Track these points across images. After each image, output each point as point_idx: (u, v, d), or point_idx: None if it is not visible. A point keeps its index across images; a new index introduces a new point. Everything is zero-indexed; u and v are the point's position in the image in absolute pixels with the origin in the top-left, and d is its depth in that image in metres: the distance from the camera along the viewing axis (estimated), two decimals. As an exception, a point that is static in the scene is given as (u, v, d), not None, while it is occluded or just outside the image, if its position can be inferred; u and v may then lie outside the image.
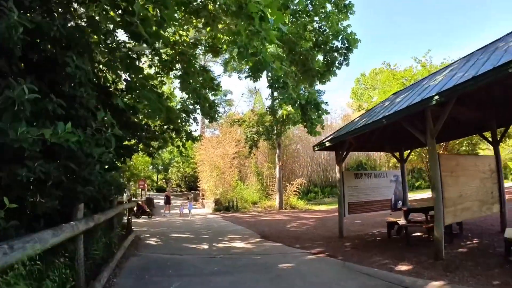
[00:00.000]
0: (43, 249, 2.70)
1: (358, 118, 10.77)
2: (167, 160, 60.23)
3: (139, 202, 21.40)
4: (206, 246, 9.41)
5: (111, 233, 6.42)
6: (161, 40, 11.51)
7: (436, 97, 6.31)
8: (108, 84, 6.71)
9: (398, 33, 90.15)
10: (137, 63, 7.28)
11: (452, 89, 6.03)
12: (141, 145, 11.40)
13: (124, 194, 22.98)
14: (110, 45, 6.08)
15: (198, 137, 16.24)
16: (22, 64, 3.72)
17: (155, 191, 53.72)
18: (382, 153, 41.22)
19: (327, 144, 10.26)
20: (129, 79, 7.53)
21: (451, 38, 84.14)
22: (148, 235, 11.62)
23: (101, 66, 6.52)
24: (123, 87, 7.77)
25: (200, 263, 6.97)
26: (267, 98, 26.52)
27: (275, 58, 12.13)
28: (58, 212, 4.00)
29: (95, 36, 6.26)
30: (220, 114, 15.08)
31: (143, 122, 10.82)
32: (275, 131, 24.30)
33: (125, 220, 10.53)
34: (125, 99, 8.17)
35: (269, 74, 25.11)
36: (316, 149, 10.99)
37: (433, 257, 6.90)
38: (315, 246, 9.35)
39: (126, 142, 8.19)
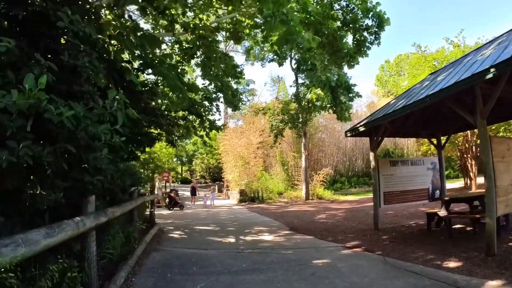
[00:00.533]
0: (32, 254, 2.14)
1: (394, 101, 9.89)
2: (191, 152, 60.40)
3: (171, 194, 21.34)
4: (232, 240, 8.88)
5: (130, 227, 5.94)
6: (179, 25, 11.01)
7: (492, 69, 5.45)
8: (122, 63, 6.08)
9: (425, 15, 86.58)
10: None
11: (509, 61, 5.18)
12: (161, 131, 10.87)
13: (157, 185, 23.03)
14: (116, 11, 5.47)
15: (222, 127, 15.70)
16: (6, 22, 3.18)
17: (179, 182, 53.93)
18: (409, 141, 39.95)
19: (361, 129, 9.47)
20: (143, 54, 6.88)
21: (482, 18, 80.00)
22: (172, 227, 11.21)
23: (112, 41, 5.95)
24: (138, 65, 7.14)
25: (227, 259, 6.42)
26: (291, 85, 25.65)
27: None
28: (67, 205, 3.47)
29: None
30: (243, 103, 14.45)
31: (163, 107, 10.24)
32: (301, 119, 23.48)
33: (148, 213, 10.13)
34: (142, 79, 7.64)
35: (296, 56, 24.46)
36: (348, 134, 10.21)
37: (484, 252, 6.11)
38: (349, 239, 8.67)
39: (146, 129, 7.68)
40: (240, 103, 14.53)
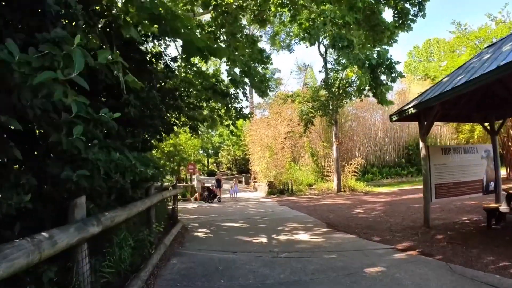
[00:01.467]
0: None
1: (446, 79, 8.51)
2: (217, 144, 59.94)
3: (210, 187, 20.77)
4: (264, 239, 7.86)
5: (145, 230, 4.99)
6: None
7: None
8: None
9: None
10: None
11: None
12: (182, 117, 9.89)
13: (195, 177, 22.28)
14: None
15: (249, 115, 14.69)
16: None
17: (206, 175, 53.55)
18: (442, 129, 37.73)
19: (411, 111, 8.18)
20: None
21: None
22: (196, 224, 10.33)
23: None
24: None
25: (260, 267, 5.38)
26: (321, 71, 24.24)
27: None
28: (47, 210, 2.51)
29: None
30: (271, 89, 13.37)
31: (182, 88, 9.11)
32: (331, 106, 22.09)
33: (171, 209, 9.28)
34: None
35: (324, 40, 23.05)
36: (394, 118, 8.92)
37: None
38: (398, 239, 7.51)
39: (162, 113, 6.68)
40: (268, 90, 13.44)
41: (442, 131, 37.43)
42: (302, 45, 21.28)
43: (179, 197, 20.81)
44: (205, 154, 64.23)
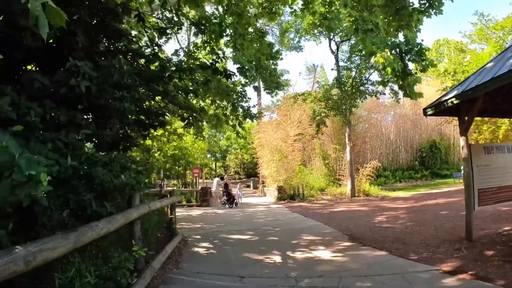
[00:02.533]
0: None
1: (490, 64, 7.16)
2: (224, 147, 58.85)
3: (230, 191, 20.09)
4: (277, 258, 6.55)
5: (122, 255, 3.71)
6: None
7: None
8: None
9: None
10: None
11: None
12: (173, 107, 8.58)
13: (215, 182, 20.92)
14: None
15: (257, 115, 13.44)
16: None
17: (213, 179, 52.41)
18: (455, 131, 36.05)
19: (452, 102, 6.84)
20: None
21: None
22: (198, 236, 9.03)
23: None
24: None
25: (276, 302, 4.09)
26: (333, 69, 22.95)
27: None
28: None
29: None
30: (283, 84, 12.14)
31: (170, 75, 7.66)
32: (344, 106, 20.71)
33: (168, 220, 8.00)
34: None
35: (336, 37, 21.84)
36: (429, 112, 7.55)
37: None
38: (440, 256, 6.19)
39: (148, 104, 5.41)
40: (280, 86, 12.19)
41: (456, 132, 35.88)
42: (311, 44, 19.72)
43: (184, 202, 19.69)
44: (212, 158, 63.13)
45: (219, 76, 9.90)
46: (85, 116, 3.95)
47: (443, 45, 45.73)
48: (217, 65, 9.98)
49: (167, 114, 8.26)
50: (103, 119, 4.16)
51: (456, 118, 7.92)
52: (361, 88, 21.20)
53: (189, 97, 12.72)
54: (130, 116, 4.34)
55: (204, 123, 16.01)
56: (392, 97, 22.37)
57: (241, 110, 12.79)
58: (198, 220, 12.85)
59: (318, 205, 17.86)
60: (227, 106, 12.79)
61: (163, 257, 5.52)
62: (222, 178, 23.39)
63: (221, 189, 20.16)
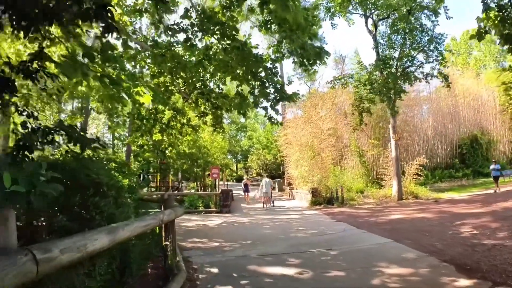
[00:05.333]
0: None
1: None
2: (245, 147, 56.07)
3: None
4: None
5: None
6: None
7: None
8: None
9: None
10: None
11: None
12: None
13: (262, 183, 18.95)
14: None
15: (294, 95, 10.37)
16: None
17: (234, 181, 49.50)
18: (495, 125, 32.25)
19: None
20: None
21: None
22: (215, 269, 5.63)
23: None
24: None
25: None
26: (373, 47, 19.50)
27: None
28: None
29: None
30: (326, 52, 8.99)
31: None
32: (393, 91, 17.20)
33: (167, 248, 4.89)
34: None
35: (375, 14, 18.53)
36: None
37: None
38: None
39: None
40: (323, 54, 9.02)
41: (497, 125, 32.24)
42: (338, 33, 15.79)
43: (201, 208, 16.77)
44: (233, 160, 60.46)
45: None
46: None
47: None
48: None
49: None
50: None
51: None
52: (410, 68, 17.77)
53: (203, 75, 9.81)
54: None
55: (224, 112, 13.08)
56: (440, 81, 19.06)
57: (272, 89, 9.73)
58: (216, 234, 9.79)
59: (365, 211, 14.55)
60: (256, 85, 9.70)
61: None
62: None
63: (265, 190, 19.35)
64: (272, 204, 19.05)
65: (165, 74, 9.64)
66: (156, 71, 10.27)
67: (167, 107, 12.54)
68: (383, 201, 18.04)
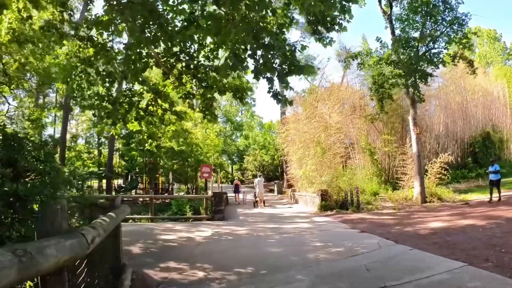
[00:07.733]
0: None
1: None
2: (241, 147, 53.46)
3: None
4: None
5: None
6: None
7: None
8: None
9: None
10: None
11: None
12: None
13: (256, 183, 17.35)
14: None
15: (309, 68, 7.86)
16: None
17: (230, 183, 46.83)
18: (506, 122, 30.03)
19: None
20: None
21: None
22: None
23: None
24: None
25: None
26: (386, 26, 16.95)
27: None
28: None
29: None
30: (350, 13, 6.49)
31: None
32: (419, 74, 14.53)
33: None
34: None
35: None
36: None
37: None
38: None
39: None
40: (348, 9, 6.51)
41: (508, 121, 30.02)
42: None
43: (189, 214, 14.16)
44: (229, 161, 57.90)
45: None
46: None
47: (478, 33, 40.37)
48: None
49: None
50: None
51: None
52: (433, 50, 15.19)
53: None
54: None
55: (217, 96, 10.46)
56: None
57: (278, 59, 7.14)
58: (202, 255, 7.09)
59: (389, 218, 11.91)
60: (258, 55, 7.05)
61: None
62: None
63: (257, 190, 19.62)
64: (262, 204, 19.03)
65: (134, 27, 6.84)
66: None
67: (145, 88, 9.94)
68: (404, 204, 15.43)
